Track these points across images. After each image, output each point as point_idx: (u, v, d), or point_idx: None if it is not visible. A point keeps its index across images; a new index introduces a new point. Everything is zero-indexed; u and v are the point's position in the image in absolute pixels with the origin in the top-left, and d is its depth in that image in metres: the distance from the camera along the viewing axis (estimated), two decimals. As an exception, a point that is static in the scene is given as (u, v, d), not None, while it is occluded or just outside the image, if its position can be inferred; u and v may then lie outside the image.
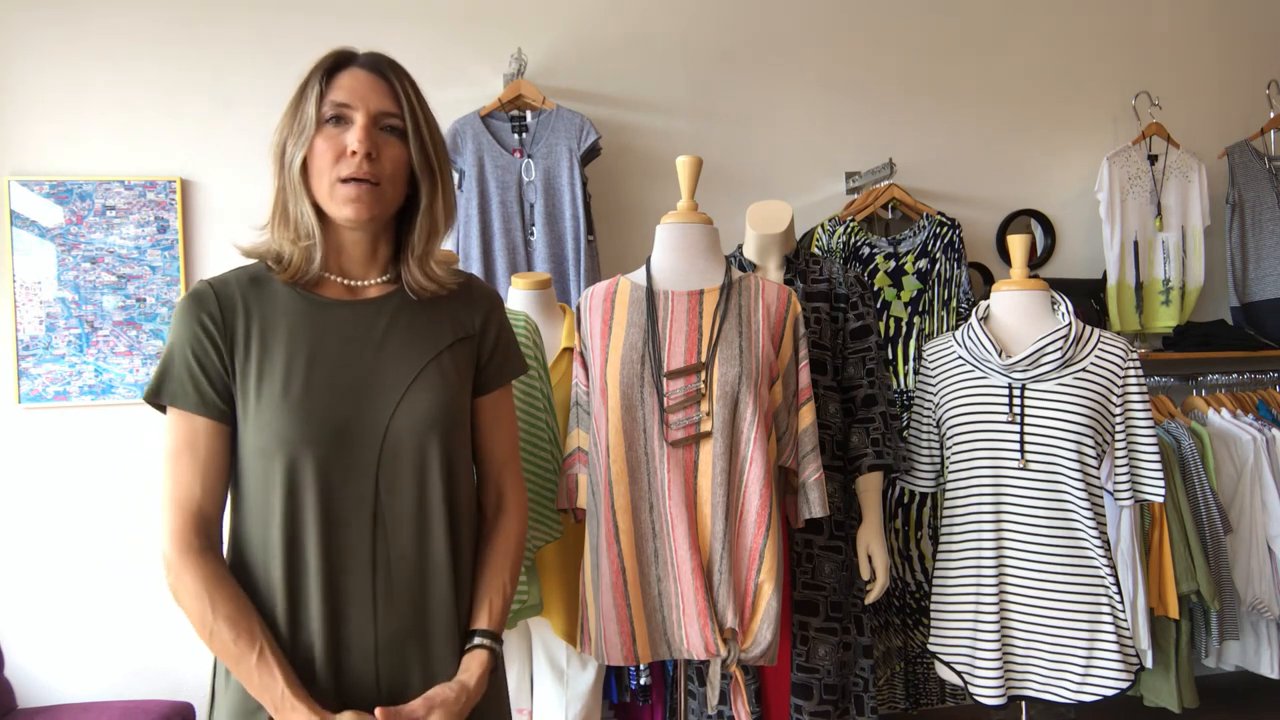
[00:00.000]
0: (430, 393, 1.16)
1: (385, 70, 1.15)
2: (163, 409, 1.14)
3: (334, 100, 1.12)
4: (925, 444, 2.12)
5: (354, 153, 1.10)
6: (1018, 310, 1.97)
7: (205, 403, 1.11)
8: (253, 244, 1.19)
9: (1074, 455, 1.84)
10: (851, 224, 2.94)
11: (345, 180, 1.11)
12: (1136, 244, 3.21)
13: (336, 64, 1.15)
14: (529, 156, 2.72)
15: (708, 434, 1.68)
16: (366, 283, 1.20)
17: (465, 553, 1.21)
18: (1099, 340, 1.91)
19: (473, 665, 1.16)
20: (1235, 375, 3.12)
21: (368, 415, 1.13)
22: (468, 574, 1.21)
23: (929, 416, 2.09)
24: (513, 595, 1.25)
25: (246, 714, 1.10)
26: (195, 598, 1.07)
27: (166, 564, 1.09)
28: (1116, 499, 1.96)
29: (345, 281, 1.20)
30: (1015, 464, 1.89)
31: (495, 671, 1.21)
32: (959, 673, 1.96)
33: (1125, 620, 1.86)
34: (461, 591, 1.19)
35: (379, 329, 1.17)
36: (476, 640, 1.18)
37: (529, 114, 2.75)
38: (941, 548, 2.02)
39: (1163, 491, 1.91)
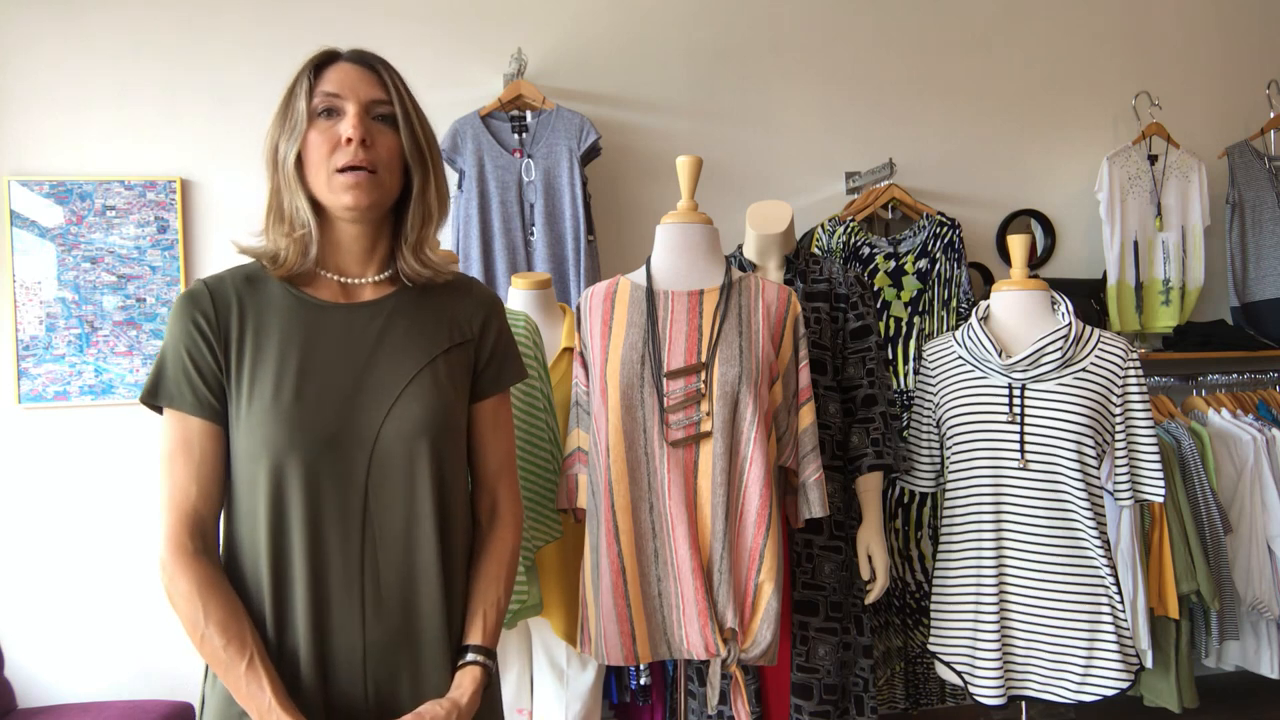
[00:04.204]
0: (422, 400, 1.15)
1: (372, 62, 1.17)
2: (159, 410, 1.13)
3: (324, 91, 1.12)
4: (925, 444, 2.12)
5: (349, 140, 1.10)
6: (1018, 310, 1.97)
7: (200, 403, 1.11)
8: (250, 244, 1.18)
9: (1074, 455, 1.84)
10: (851, 224, 2.94)
11: (343, 170, 1.11)
12: (1136, 244, 3.21)
13: (323, 61, 1.15)
14: (529, 156, 2.72)
15: (708, 434, 1.68)
16: (363, 280, 1.20)
17: (457, 563, 1.19)
18: (1099, 340, 1.91)
19: (465, 682, 1.14)
20: (1235, 375, 3.12)
21: (358, 423, 1.12)
22: (460, 584, 1.20)
23: (929, 416, 2.09)
24: (507, 607, 1.24)
25: (231, 718, 1.09)
26: (188, 601, 1.07)
27: (161, 566, 1.09)
28: (1116, 499, 1.96)
29: (341, 279, 1.19)
30: (1015, 464, 1.89)
31: (489, 688, 1.19)
32: (959, 673, 1.96)
33: (1125, 620, 1.86)
34: (453, 601, 1.17)
35: (373, 333, 1.17)
36: (469, 656, 1.16)
37: (529, 114, 2.75)
38: (941, 548, 2.02)
39: (1163, 491, 1.91)
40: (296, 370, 1.12)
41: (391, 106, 1.15)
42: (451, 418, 1.19)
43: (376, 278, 1.20)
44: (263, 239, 1.18)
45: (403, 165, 1.17)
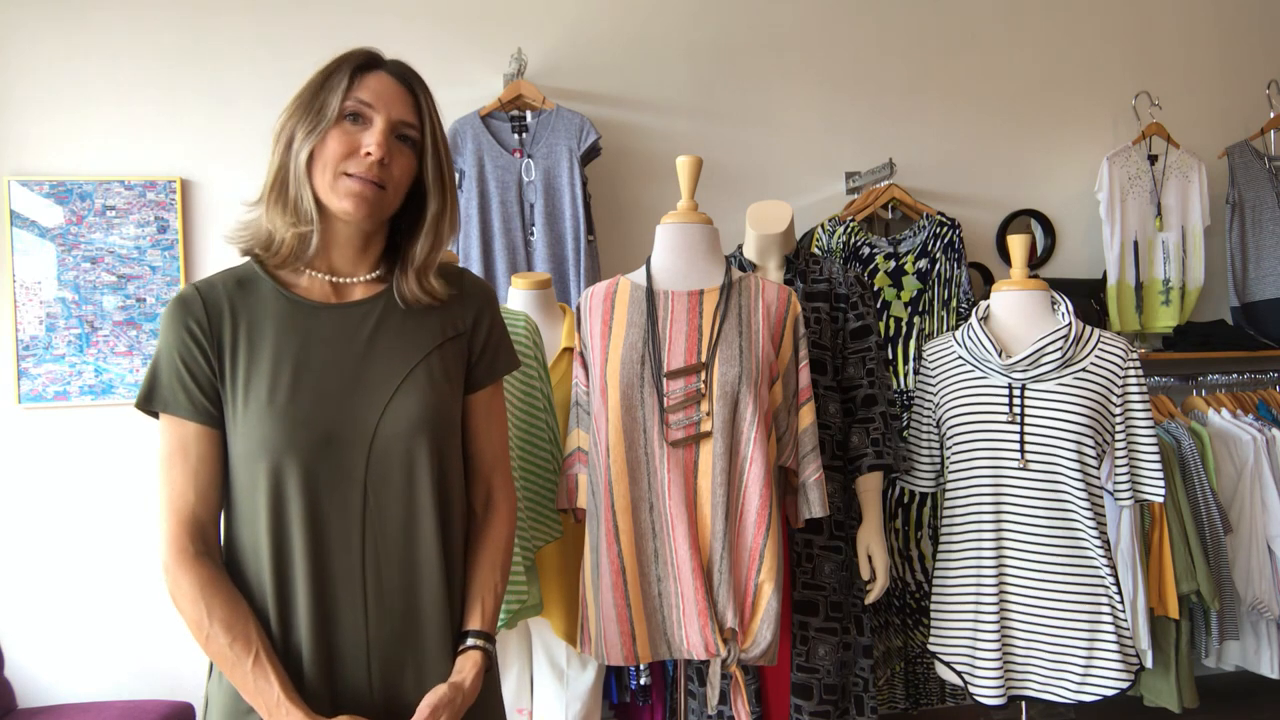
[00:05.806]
0: (418, 395, 1.16)
1: (411, 80, 1.17)
2: (154, 414, 1.14)
3: (358, 97, 1.12)
4: (925, 444, 2.12)
5: (368, 154, 1.11)
6: (1018, 310, 1.97)
7: (195, 408, 1.11)
8: (241, 226, 1.18)
9: (1074, 455, 1.84)
10: (851, 224, 2.94)
11: (352, 175, 1.11)
12: (1136, 244, 3.21)
13: (364, 64, 1.15)
14: (529, 156, 2.72)
15: (708, 434, 1.68)
16: (353, 280, 1.20)
17: (456, 555, 1.21)
18: (1099, 340, 1.91)
19: (466, 666, 1.16)
20: (1235, 375, 3.12)
21: (354, 421, 1.13)
22: (459, 576, 1.21)
23: (929, 416, 2.09)
24: (504, 594, 1.25)
25: (238, 715, 1.10)
26: (192, 602, 1.08)
27: (164, 569, 1.10)
28: (1116, 499, 1.96)
29: (332, 279, 1.19)
30: (1015, 464, 1.89)
31: (489, 671, 1.21)
32: (959, 673, 1.96)
33: (1125, 620, 1.86)
34: (453, 594, 1.19)
35: (366, 332, 1.17)
36: (469, 641, 1.18)
37: (529, 114, 2.75)
38: (941, 548, 2.02)
39: (1163, 491, 1.92)
40: (291, 371, 1.12)
41: (419, 132, 1.16)
42: (447, 412, 1.19)
43: (367, 277, 1.21)
44: (258, 208, 1.17)
45: (410, 186, 1.18)
